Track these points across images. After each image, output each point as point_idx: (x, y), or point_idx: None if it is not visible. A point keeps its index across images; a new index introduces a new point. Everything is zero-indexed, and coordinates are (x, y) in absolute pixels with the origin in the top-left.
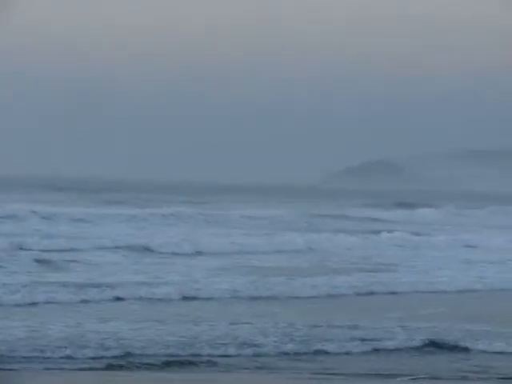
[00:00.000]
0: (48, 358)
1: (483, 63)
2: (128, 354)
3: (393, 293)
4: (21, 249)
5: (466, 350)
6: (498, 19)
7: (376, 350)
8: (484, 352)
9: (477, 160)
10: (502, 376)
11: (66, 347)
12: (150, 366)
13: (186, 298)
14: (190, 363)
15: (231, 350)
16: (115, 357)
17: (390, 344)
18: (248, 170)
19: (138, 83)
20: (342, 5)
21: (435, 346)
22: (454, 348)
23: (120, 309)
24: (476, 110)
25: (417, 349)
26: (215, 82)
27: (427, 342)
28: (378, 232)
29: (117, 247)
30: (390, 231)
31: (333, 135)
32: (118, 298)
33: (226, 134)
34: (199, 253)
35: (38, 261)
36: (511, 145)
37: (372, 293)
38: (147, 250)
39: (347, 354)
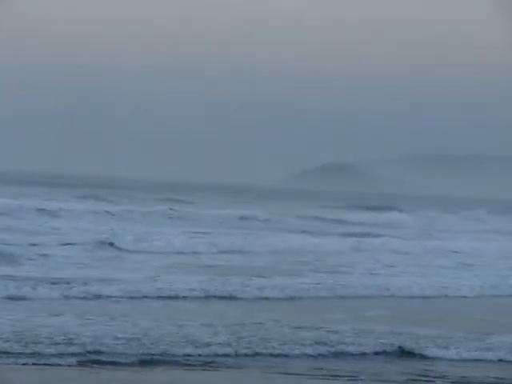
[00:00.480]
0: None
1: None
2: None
3: (341, 296)
4: None
5: (412, 354)
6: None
7: (321, 354)
8: (436, 358)
9: (430, 164)
10: (450, 381)
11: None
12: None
13: (132, 297)
14: (142, 362)
15: (176, 349)
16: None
17: (337, 347)
18: (207, 170)
19: (119, 78)
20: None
21: (383, 349)
22: (401, 352)
23: (68, 304)
24: (430, 115)
25: (364, 353)
26: (180, 82)
27: (375, 345)
28: (365, 235)
29: (79, 243)
30: (376, 236)
31: (290, 138)
32: (66, 295)
33: (188, 135)
34: (162, 251)
35: None
36: (467, 149)
37: (318, 296)
38: (112, 246)
39: (289, 355)
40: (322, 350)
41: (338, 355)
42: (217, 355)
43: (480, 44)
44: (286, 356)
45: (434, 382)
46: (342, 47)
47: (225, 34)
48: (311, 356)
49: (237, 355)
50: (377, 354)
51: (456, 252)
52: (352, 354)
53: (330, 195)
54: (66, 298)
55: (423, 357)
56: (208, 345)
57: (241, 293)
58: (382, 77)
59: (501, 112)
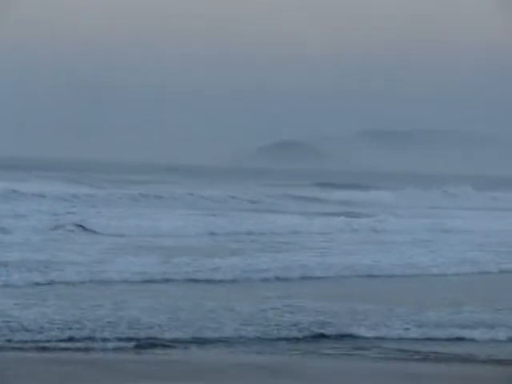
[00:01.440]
0: None
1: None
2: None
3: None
4: None
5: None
6: None
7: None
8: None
9: (380, 140)
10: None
11: None
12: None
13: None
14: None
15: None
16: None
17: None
18: (158, 150)
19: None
20: None
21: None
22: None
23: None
24: (386, 92)
25: (299, 335)
26: (132, 66)
27: (312, 325)
28: (360, 215)
29: (44, 225)
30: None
31: (242, 116)
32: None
33: (142, 116)
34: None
35: None
36: (416, 125)
37: (248, 278)
38: (84, 229)
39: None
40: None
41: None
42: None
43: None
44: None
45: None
46: (293, 29)
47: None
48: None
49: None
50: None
51: (469, 231)
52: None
53: (289, 173)
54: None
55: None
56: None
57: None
58: (332, 56)
59: (449, 89)
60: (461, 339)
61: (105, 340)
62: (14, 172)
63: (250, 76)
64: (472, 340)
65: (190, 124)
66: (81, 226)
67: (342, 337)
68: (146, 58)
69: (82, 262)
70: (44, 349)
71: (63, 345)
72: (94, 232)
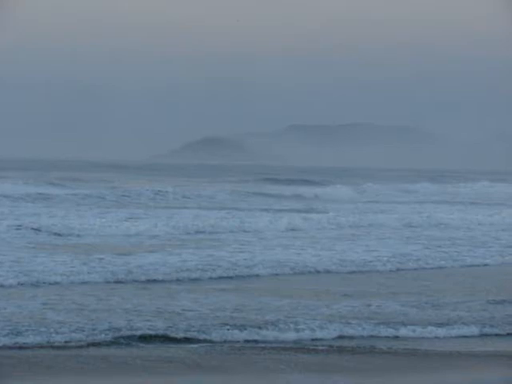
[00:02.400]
0: None
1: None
2: None
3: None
4: None
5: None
6: None
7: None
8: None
9: (305, 135)
10: None
11: None
12: None
13: None
14: None
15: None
16: None
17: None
18: (78, 147)
19: None
20: None
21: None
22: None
23: None
24: (312, 87)
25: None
26: (45, 58)
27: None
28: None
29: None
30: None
31: (165, 112)
32: None
33: (65, 113)
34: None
35: None
36: (341, 119)
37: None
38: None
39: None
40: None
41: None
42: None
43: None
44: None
45: None
46: (215, 23)
47: None
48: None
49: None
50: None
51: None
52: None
53: (220, 169)
54: None
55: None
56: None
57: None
58: (257, 51)
59: (378, 83)
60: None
61: None
62: None
63: (172, 72)
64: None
65: (111, 121)
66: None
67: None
68: (69, 52)
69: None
70: None
71: None
72: None
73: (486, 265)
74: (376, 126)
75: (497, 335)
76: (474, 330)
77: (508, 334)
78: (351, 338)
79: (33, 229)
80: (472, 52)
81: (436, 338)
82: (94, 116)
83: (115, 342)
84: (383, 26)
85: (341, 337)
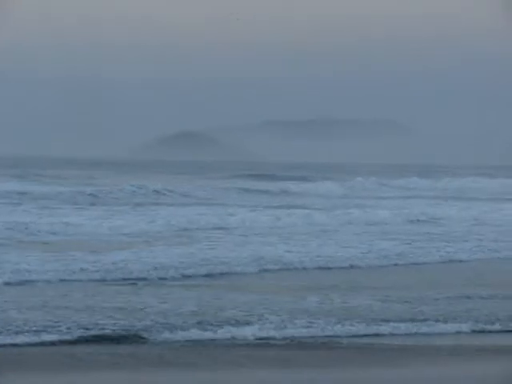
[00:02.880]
0: None
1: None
2: None
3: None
4: None
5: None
6: None
7: None
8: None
9: (284, 131)
10: None
11: None
12: None
13: None
14: None
15: None
16: None
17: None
18: (51, 143)
19: None
20: None
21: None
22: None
23: None
24: (288, 82)
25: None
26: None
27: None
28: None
29: None
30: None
31: (138, 107)
32: None
33: (35, 108)
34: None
35: None
36: (318, 115)
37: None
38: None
39: None
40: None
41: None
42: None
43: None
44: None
45: None
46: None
47: None
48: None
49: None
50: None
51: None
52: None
53: (198, 165)
54: None
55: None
56: None
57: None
58: (229, 46)
59: (353, 77)
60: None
61: None
62: None
63: (145, 66)
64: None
65: (83, 116)
66: None
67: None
68: (47, 47)
69: None
70: None
71: None
72: None
73: (461, 261)
74: (352, 120)
75: (458, 332)
76: (435, 324)
77: (473, 331)
78: (315, 333)
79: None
80: (451, 48)
81: (406, 334)
82: (65, 112)
83: (79, 340)
84: (360, 20)
85: (305, 331)
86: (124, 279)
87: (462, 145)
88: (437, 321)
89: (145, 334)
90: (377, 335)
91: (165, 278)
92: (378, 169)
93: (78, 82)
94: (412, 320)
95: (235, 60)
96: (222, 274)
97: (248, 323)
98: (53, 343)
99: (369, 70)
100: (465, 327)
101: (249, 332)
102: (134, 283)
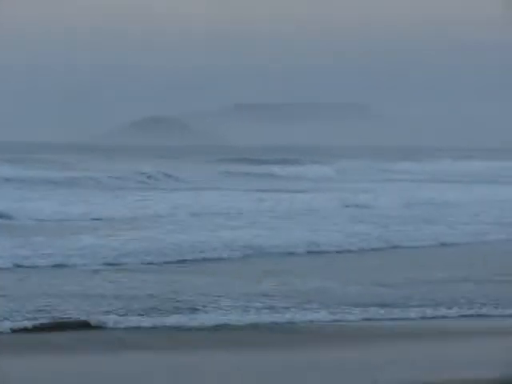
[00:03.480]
0: None
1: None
2: None
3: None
4: None
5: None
6: None
7: None
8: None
9: (255, 114)
10: None
11: None
12: None
13: None
14: None
15: None
16: None
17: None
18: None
19: None
20: None
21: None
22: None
23: None
24: (257, 66)
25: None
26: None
27: None
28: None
29: None
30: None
31: (107, 92)
32: None
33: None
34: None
35: None
36: (287, 98)
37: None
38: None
39: None
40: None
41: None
42: None
43: None
44: None
45: None
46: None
47: None
48: None
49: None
50: None
51: None
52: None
53: (171, 149)
54: None
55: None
56: None
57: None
58: (204, 32)
59: (324, 61)
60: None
61: None
62: None
63: (116, 52)
64: None
65: (55, 101)
66: None
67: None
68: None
69: None
70: None
71: None
72: None
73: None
74: (322, 103)
75: (422, 317)
76: (374, 310)
77: (408, 319)
78: (269, 317)
79: None
80: (423, 31)
81: (352, 320)
82: (35, 98)
83: (38, 327)
84: (331, 4)
85: (260, 316)
86: (85, 265)
87: (430, 127)
88: (400, 305)
89: (103, 319)
90: (332, 320)
91: (128, 263)
92: (357, 152)
93: (48, 68)
94: (355, 305)
95: (207, 45)
96: (185, 261)
97: (206, 308)
98: (13, 330)
99: (343, 53)
100: (428, 312)
101: (205, 317)
102: (96, 269)
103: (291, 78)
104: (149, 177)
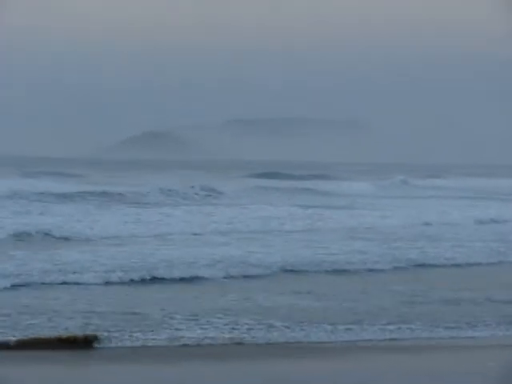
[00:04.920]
0: None
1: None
2: None
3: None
4: None
5: None
6: None
7: None
8: None
9: (249, 128)
10: None
11: None
12: None
13: None
14: None
15: None
16: None
17: None
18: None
19: None
20: None
21: None
22: None
23: None
24: (251, 82)
25: None
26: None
27: None
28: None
29: None
30: None
31: (105, 107)
32: None
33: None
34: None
35: None
36: (281, 113)
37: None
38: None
39: None
40: None
41: None
42: None
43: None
44: None
45: None
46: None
47: None
48: None
49: None
50: None
51: None
52: None
53: (173, 164)
54: None
55: None
56: None
57: None
58: (195, 46)
59: (314, 77)
60: None
61: None
62: None
63: (111, 67)
64: None
65: (50, 117)
66: None
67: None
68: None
69: None
70: None
71: None
72: None
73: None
74: (316, 120)
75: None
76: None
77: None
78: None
79: None
80: (411, 46)
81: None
82: (36, 114)
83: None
84: (319, 20)
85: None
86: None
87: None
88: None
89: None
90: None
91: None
92: (371, 168)
93: (43, 85)
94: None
95: (200, 61)
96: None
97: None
98: None
99: (332, 71)
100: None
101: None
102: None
103: (283, 93)
104: (196, 192)
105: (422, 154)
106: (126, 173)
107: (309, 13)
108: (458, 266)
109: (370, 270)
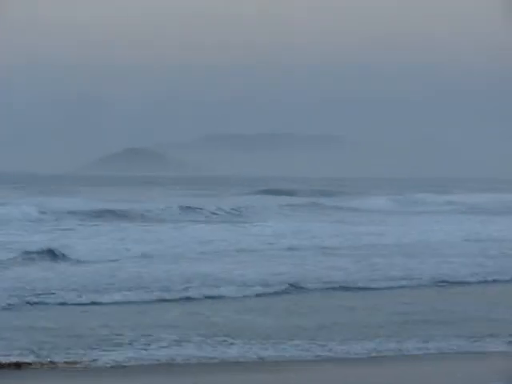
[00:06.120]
0: None
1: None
2: None
3: None
4: None
5: None
6: None
7: None
8: None
9: (225, 144)
10: None
11: None
12: None
13: None
14: None
15: None
16: None
17: None
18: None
19: None
20: None
21: None
22: None
23: None
24: (230, 98)
25: None
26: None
27: None
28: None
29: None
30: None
31: (84, 125)
32: None
33: None
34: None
35: None
36: (268, 129)
37: None
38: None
39: None
40: None
41: None
42: None
43: None
44: None
45: None
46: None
47: None
48: None
49: None
50: None
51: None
52: None
53: (157, 180)
54: None
55: None
56: None
57: None
58: (176, 64)
59: (295, 93)
60: None
61: None
62: None
63: (91, 84)
64: None
65: (31, 133)
66: None
67: None
68: None
69: None
70: None
71: None
72: None
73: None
74: (296, 135)
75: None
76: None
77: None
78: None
79: None
80: (398, 61)
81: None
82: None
83: None
84: (300, 35)
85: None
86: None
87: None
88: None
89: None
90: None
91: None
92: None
93: (17, 102)
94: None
95: (178, 77)
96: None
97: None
98: None
99: (318, 84)
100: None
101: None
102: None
103: (263, 108)
104: (216, 211)
105: (412, 168)
106: (112, 188)
107: (296, 29)
108: None
109: None
